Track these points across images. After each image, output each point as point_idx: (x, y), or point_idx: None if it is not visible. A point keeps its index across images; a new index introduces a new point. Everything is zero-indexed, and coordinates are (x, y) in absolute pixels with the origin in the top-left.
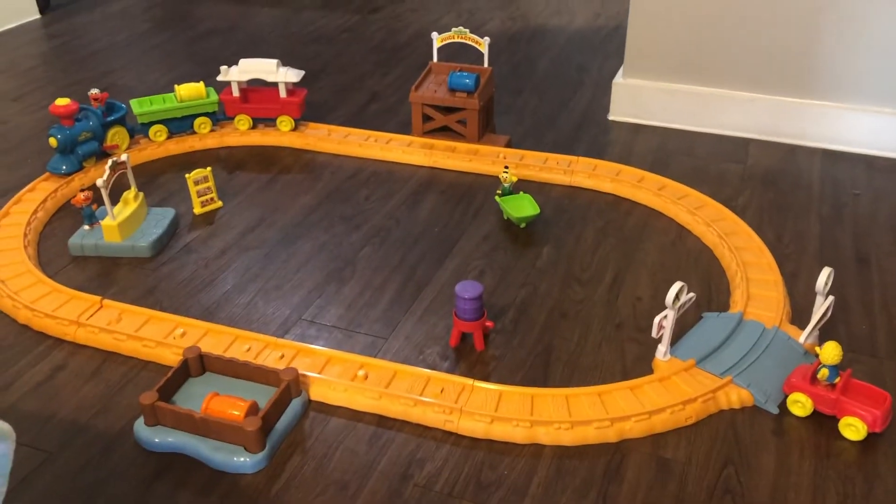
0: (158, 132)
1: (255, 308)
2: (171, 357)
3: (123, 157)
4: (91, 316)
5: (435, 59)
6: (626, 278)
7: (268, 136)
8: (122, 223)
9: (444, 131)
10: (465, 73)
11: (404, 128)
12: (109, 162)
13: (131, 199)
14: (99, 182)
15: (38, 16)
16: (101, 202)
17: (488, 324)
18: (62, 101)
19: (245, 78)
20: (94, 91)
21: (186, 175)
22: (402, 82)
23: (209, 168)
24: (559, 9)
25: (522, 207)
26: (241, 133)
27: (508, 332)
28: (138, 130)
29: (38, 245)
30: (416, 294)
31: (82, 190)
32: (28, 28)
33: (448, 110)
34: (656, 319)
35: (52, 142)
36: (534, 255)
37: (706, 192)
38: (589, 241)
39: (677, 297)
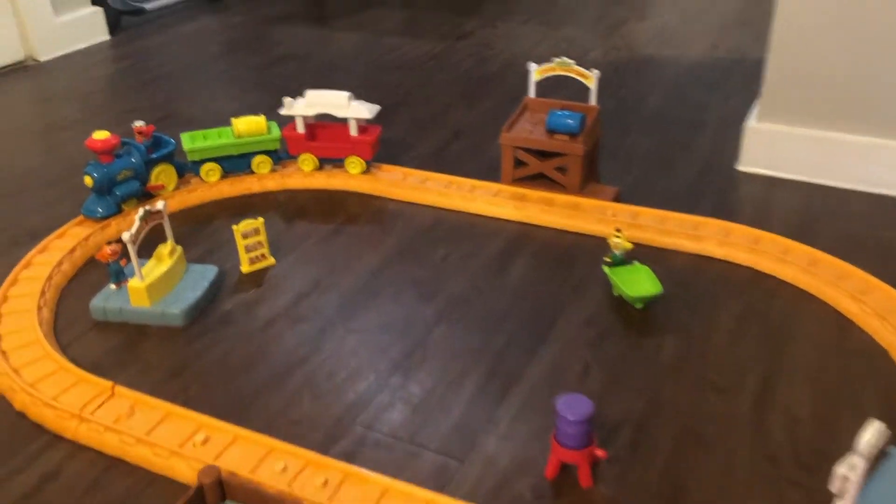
0: (211, 171)
1: (299, 404)
2: (187, 471)
3: (159, 205)
4: (98, 407)
5: (532, 94)
6: (776, 386)
7: (334, 179)
8: (152, 285)
9: (539, 179)
10: (568, 112)
11: (491, 172)
12: (140, 211)
13: (166, 255)
14: (125, 236)
15: (107, 37)
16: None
17: (598, 453)
18: (100, 135)
19: (312, 112)
20: (139, 123)
21: (234, 227)
22: (490, 118)
23: (261, 220)
24: (669, 39)
25: (639, 283)
26: (304, 175)
27: (624, 461)
28: (188, 168)
29: (57, 304)
30: (501, 395)
31: (109, 243)
32: (96, 49)
33: (545, 155)
34: (839, 470)
35: (88, 181)
36: (654, 347)
37: (869, 270)
38: (724, 331)
39: (872, 442)
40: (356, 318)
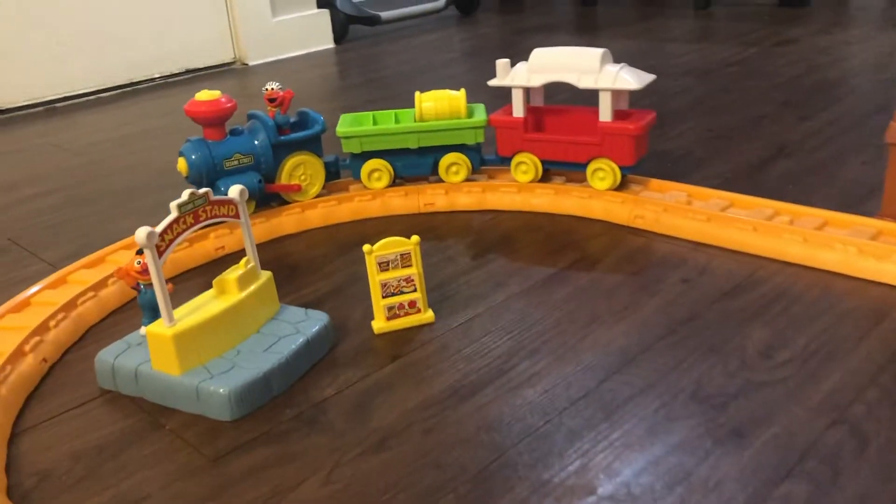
0: (377, 173)
1: None
2: None
3: (233, 191)
4: None
5: None
6: None
7: (567, 197)
8: (187, 335)
9: None
10: None
11: (850, 203)
12: (184, 195)
13: (232, 286)
14: (139, 235)
15: (331, 45)
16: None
17: None
18: (206, 96)
19: (538, 82)
20: (272, 86)
21: (366, 248)
22: (839, 132)
23: (415, 239)
24: None
25: None
26: (518, 188)
27: None
28: (344, 165)
29: (70, 348)
30: None
31: (140, 252)
32: (316, 55)
33: None
34: None
35: (181, 165)
36: None
37: None
38: None
39: None
40: (573, 447)
